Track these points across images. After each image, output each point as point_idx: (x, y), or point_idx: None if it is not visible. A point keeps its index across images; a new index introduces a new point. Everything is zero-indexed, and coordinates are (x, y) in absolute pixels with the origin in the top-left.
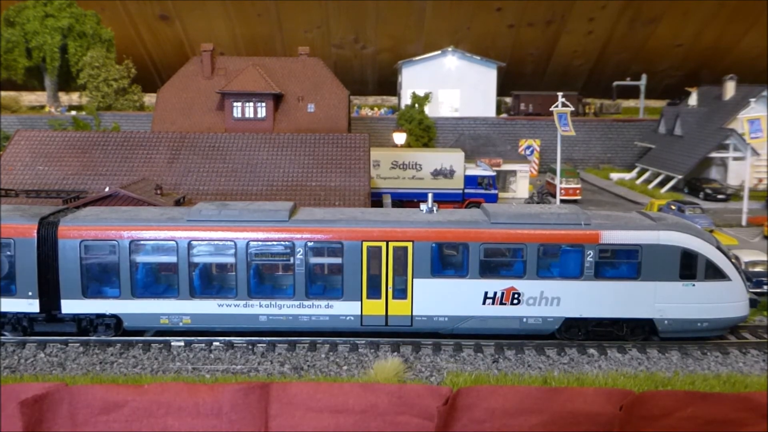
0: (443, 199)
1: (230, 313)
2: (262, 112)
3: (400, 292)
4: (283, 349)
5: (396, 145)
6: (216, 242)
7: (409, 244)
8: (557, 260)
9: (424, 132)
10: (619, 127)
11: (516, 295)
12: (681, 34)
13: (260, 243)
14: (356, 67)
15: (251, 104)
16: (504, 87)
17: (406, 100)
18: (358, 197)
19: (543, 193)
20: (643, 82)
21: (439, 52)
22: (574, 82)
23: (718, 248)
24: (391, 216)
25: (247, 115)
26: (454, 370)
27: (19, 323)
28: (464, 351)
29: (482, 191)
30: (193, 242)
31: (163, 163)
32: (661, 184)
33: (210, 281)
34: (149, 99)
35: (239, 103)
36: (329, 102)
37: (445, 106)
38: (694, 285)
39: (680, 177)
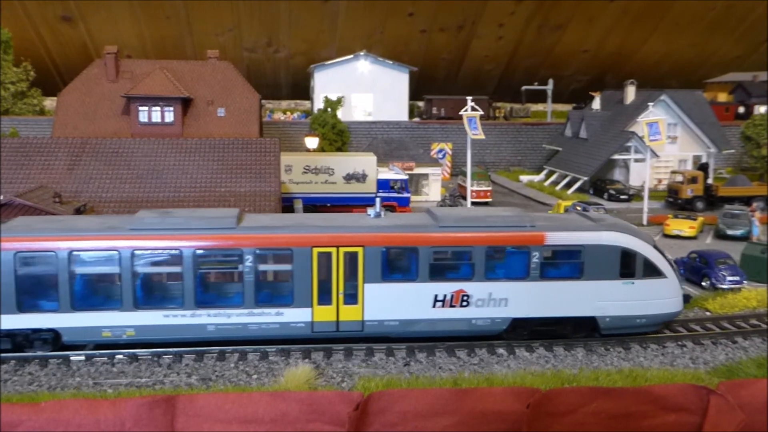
0: (355, 203)
1: (177, 324)
2: (169, 117)
3: (351, 298)
4: (190, 360)
5: (308, 150)
6: (161, 251)
7: (360, 249)
8: (504, 262)
9: (337, 136)
10: (528, 131)
11: (465, 297)
12: (586, 40)
13: (207, 251)
14: (269, 71)
15: (158, 109)
16: (417, 91)
17: (319, 104)
18: (268, 202)
19: (455, 196)
20: (550, 87)
21: (352, 56)
22: (486, 87)
23: (655, 247)
24: (339, 221)
25: (154, 120)
26: (366, 375)
27: None
28: (376, 355)
29: (395, 195)
30: (137, 251)
31: (63, 170)
32: (568, 185)
33: (155, 291)
34: (51, 103)
35: (146, 108)
36: (240, 106)
37: (358, 110)
38: (633, 283)
39: (586, 178)
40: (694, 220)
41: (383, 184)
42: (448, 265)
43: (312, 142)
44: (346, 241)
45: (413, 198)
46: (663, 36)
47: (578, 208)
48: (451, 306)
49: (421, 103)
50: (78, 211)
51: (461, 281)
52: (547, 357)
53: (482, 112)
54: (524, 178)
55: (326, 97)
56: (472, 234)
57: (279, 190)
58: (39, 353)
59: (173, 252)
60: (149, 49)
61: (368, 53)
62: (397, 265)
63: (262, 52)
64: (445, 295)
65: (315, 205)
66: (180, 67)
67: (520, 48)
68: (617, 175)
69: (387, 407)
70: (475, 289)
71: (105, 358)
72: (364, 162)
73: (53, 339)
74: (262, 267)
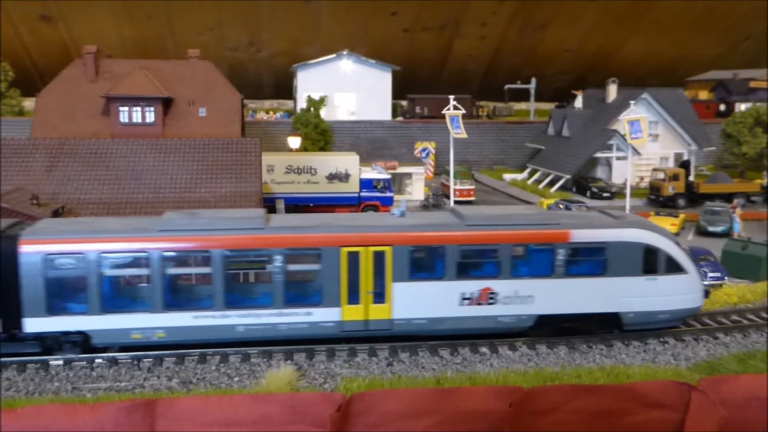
0: (339, 203)
1: (206, 325)
2: (150, 117)
3: (379, 297)
4: (171, 363)
5: (291, 150)
6: (191, 252)
7: (388, 249)
8: (530, 260)
9: (320, 136)
10: (511, 129)
11: (491, 295)
12: (568, 39)
13: (237, 251)
14: (252, 71)
15: (139, 109)
16: (400, 90)
17: (301, 103)
18: (249, 203)
19: (438, 195)
20: (533, 86)
21: (335, 55)
22: (469, 86)
23: (676, 243)
24: (366, 221)
25: (134, 120)
26: (348, 376)
27: None
28: (358, 356)
29: (378, 194)
30: (166, 253)
31: (41, 172)
32: (551, 183)
33: (184, 293)
34: (30, 104)
35: (126, 108)
36: (222, 106)
37: (341, 109)
38: (656, 279)
39: (568, 176)
40: (676, 217)
41: (366, 184)
42: (475, 263)
43: (294, 141)
44: (374, 241)
45: (396, 197)
46: (644, 35)
47: (561, 206)
48: (479, 304)
49: (404, 103)
50: (56, 213)
51: (488, 279)
52: (529, 355)
53: (465, 111)
54: (507, 176)
55: (309, 96)
56: (499, 232)
57: (260, 191)
58: (17, 358)
59: (203, 253)
60: (130, 48)
61: (351, 52)
62: (424, 263)
63: (245, 51)
64: (472, 293)
65: (297, 205)
66: (161, 67)
67: (502, 47)
68: (600, 173)
69: (369, 408)
70: (501, 286)
71: (84, 363)
72: (347, 161)
73: (83, 341)
74: (291, 267)
